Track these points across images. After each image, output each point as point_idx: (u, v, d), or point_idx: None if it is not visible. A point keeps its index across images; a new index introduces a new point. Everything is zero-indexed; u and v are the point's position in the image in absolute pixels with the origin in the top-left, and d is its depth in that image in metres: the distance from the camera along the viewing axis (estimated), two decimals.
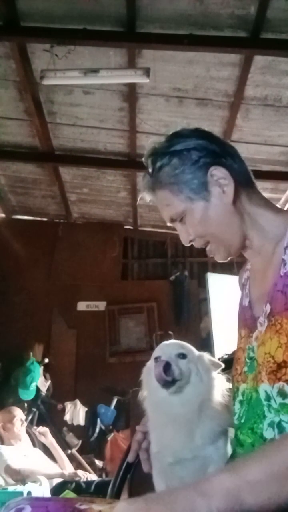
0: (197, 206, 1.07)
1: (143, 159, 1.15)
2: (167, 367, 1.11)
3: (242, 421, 1.04)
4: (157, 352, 1.18)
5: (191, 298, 6.40)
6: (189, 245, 1.14)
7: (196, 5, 3.36)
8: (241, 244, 1.10)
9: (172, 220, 1.12)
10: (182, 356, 1.15)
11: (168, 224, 1.15)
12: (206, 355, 1.20)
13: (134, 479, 1.36)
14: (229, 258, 1.14)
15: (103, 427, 5.08)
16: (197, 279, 6.55)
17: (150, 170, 1.12)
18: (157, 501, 0.74)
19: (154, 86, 4.06)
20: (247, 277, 1.19)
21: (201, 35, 3.54)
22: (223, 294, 5.13)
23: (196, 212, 1.07)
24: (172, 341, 1.22)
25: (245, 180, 1.11)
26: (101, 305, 6.37)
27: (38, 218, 6.89)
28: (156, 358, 1.16)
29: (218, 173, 1.07)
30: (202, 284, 6.12)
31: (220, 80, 3.98)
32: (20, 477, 3.40)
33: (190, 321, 6.26)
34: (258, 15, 3.35)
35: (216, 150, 1.09)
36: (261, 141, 4.58)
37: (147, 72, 3.53)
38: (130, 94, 4.23)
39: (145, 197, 1.16)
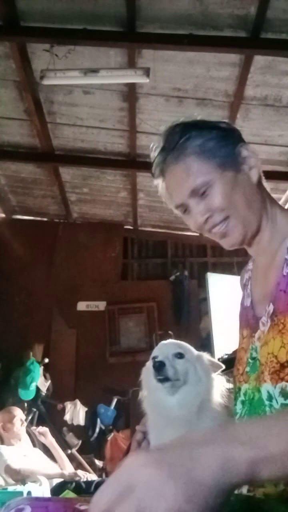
0: (225, 176, 1.03)
1: (162, 133, 1.09)
2: (160, 366, 1.11)
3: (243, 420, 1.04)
4: (154, 351, 1.19)
5: (191, 298, 6.40)
6: (203, 222, 1.05)
7: (196, 5, 3.36)
8: (257, 229, 1.06)
9: (193, 193, 1.04)
10: (179, 355, 1.15)
11: (177, 210, 1.08)
12: (205, 355, 1.20)
13: None
14: (241, 243, 1.07)
15: (103, 427, 5.08)
16: (197, 279, 6.55)
17: (173, 142, 1.06)
18: (174, 458, 0.62)
19: (154, 86, 4.06)
20: (248, 277, 1.19)
21: (201, 35, 3.54)
22: (223, 294, 5.13)
23: (224, 183, 1.03)
24: (170, 340, 1.22)
25: (262, 172, 1.11)
26: (101, 305, 6.38)
27: (38, 218, 6.89)
28: (153, 358, 1.16)
29: (245, 150, 1.07)
30: (202, 284, 6.11)
31: (220, 80, 3.98)
32: (20, 477, 3.39)
33: (190, 321, 6.27)
34: (258, 15, 3.35)
35: (239, 134, 1.11)
36: (261, 141, 4.58)
37: (147, 72, 3.53)
38: (130, 94, 4.23)
39: (156, 173, 1.09)
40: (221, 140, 1.06)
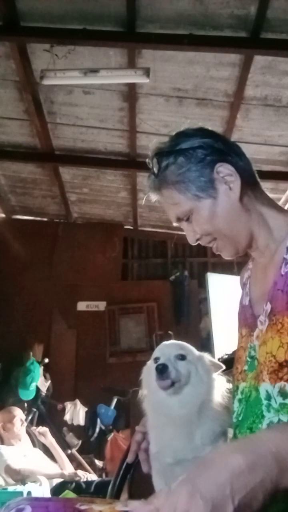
0: (204, 204, 1.06)
1: (147, 159, 1.13)
2: (163, 369, 1.11)
3: (240, 418, 1.04)
4: (156, 353, 1.19)
5: (191, 298, 6.39)
6: (195, 244, 1.12)
7: (196, 5, 3.36)
8: (248, 241, 1.09)
9: (179, 219, 1.11)
10: (181, 357, 1.15)
11: (174, 224, 1.14)
12: (206, 356, 1.20)
13: (134, 479, 1.36)
14: (236, 256, 1.12)
15: (103, 427, 5.07)
16: (197, 279, 6.55)
17: (155, 170, 1.10)
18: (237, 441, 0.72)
19: (154, 86, 4.06)
20: (248, 276, 1.19)
21: (201, 35, 3.53)
22: (223, 294, 5.13)
23: (203, 210, 1.07)
24: (172, 341, 1.22)
25: (251, 178, 1.11)
26: (101, 305, 6.37)
27: (38, 218, 6.89)
28: (155, 359, 1.16)
29: (224, 170, 1.07)
30: (202, 284, 6.11)
31: (220, 80, 3.98)
32: (20, 477, 3.39)
33: (190, 321, 6.26)
34: (258, 15, 3.34)
35: (221, 148, 1.09)
36: (261, 141, 4.58)
37: (147, 72, 3.53)
38: (130, 94, 4.23)
39: (151, 197, 1.14)
40: (199, 168, 1.07)
